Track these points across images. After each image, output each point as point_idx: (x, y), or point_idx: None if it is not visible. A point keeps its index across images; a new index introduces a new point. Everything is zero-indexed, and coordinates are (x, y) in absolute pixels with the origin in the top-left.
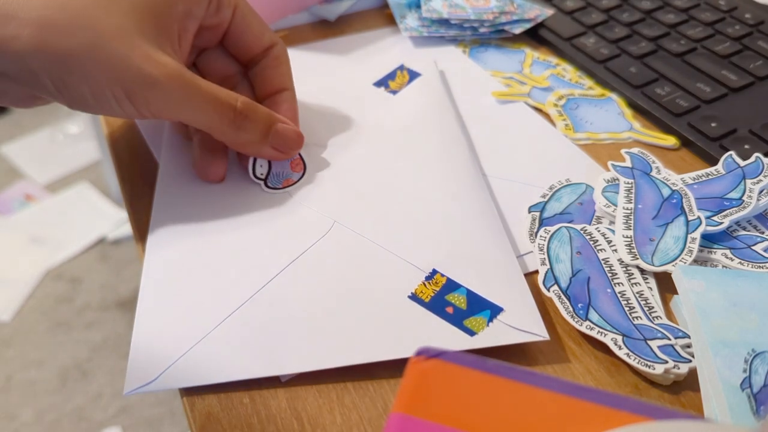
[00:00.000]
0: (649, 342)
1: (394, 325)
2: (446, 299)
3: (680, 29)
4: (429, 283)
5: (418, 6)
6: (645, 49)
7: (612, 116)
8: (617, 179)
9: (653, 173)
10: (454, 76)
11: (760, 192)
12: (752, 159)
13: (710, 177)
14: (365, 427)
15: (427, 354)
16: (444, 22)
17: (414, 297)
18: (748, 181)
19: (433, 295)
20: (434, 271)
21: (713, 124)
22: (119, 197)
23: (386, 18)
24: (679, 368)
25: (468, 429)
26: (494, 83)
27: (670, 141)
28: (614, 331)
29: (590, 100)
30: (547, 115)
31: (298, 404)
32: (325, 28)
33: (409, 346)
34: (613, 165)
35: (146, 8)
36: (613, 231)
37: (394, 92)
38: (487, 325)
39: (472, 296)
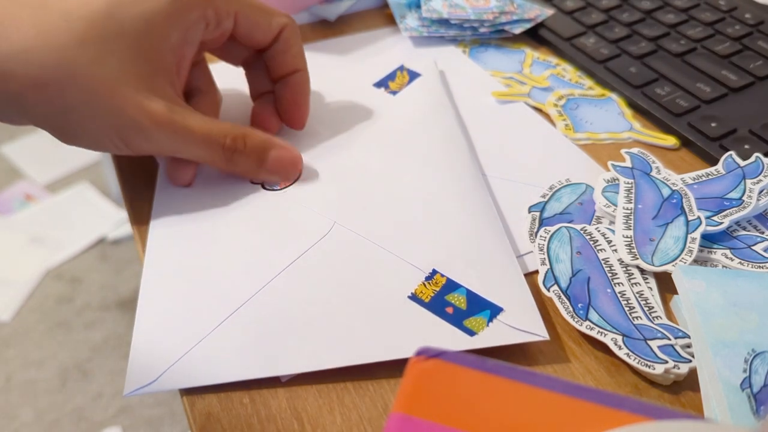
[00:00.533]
0: (649, 342)
1: (394, 325)
2: (446, 299)
3: (680, 29)
4: (429, 283)
5: (418, 6)
6: (645, 49)
7: (612, 116)
8: (617, 179)
9: (653, 173)
10: (454, 76)
11: (760, 192)
12: (752, 159)
13: (710, 177)
14: (365, 427)
15: (427, 354)
16: (444, 22)
17: (414, 297)
18: (748, 181)
19: (433, 295)
20: (434, 271)
21: (713, 124)
22: (119, 197)
23: (386, 18)
24: (679, 368)
25: (468, 429)
26: (494, 83)
27: (670, 141)
28: (614, 331)
29: (590, 100)
30: (547, 115)
31: (298, 404)
32: (325, 28)
33: (410, 346)
34: (613, 165)
35: (139, 48)
36: (613, 231)
37: (394, 93)
38: (487, 325)
39: (471, 296)
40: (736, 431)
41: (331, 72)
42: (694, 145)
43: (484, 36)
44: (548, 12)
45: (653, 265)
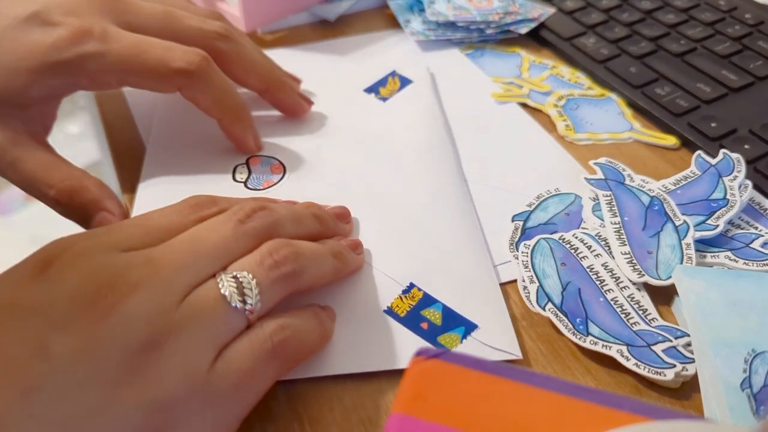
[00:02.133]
0: (653, 347)
1: (367, 338)
2: (421, 314)
3: (680, 29)
4: (405, 297)
5: (421, 9)
6: (645, 49)
7: (612, 116)
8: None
9: (627, 182)
10: (454, 79)
11: (740, 188)
12: (720, 156)
13: (689, 180)
14: (365, 427)
15: (427, 354)
16: (450, 25)
17: (390, 311)
18: (725, 179)
19: (408, 309)
20: (411, 285)
21: (713, 124)
22: (119, 197)
23: (387, 18)
24: (687, 370)
25: (468, 429)
26: (493, 87)
27: (670, 141)
28: (617, 341)
29: (590, 101)
30: (546, 118)
31: (298, 404)
32: (325, 28)
33: (382, 360)
34: (587, 179)
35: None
36: (589, 235)
37: (385, 99)
38: (461, 342)
39: (447, 312)
40: (736, 431)
41: (325, 75)
42: (694, 145)
43: (489, 37)
44: (550, 11)
45: (660, 279)
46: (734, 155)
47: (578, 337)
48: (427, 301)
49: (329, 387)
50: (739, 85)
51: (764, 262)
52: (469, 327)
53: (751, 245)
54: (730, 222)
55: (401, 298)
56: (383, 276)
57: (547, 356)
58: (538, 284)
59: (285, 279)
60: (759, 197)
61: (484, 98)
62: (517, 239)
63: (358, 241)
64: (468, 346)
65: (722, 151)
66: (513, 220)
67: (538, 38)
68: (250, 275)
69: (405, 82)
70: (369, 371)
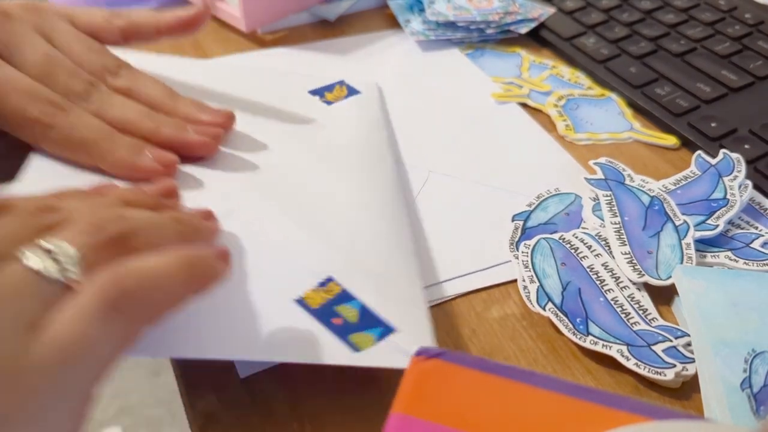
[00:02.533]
0: (653, 347)
1: (270, 326)
2: (335, 310)
3: (680, 29)
4: (321, 289)
5: (421, 9)
6: (645, 49)
7: (612, 116)
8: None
9: (627, 182)
10: (454, 79)
11: (740, 187)
12: (720, 156)
13: (689, 180)
14: (365, 427)
15: (427, 354)
16: (450, 25)
17: (300, 301)
18: (725, 179)
19: (322, 302)
20: (329, 279)
21: (713, 124)
22: None
23: (387, 18)
24: (687, 370)
25: (468, 429)
26: (493, 86)
27: (670, 141)
28: (618, 341)
29: (590, 101)
30: (546, 118)
31: (298, 404)
32: (325, 28)
33: (282, 350)
34: (587, 179)
35: None
36: (589, 235)
37: (329, 103)
38: (374, 344)
39: (365, 312)
40: (736, 431)
41: (274, 76)
42: (694, 145)
43: (490, 37)
44: (550, 11)
45: (661, 279)
46: (734, 155)
47: (578, 337)
48: (345, 297)
49: (329, 387)
50: (739, 85)
51: (764, 262)
52: (386, 329)
53: (751, 245)
54: (730, 222)
55: (316, 290)
56: (299, 265)
57: (547, 356)
58: (538, 284)
59: (113, 242)
60: (759, 197)
61: (484, 98)
62: (517, 239)
63: (208, 210)
64: (381, 349)
65: (722, 151)
66: (513, 220)
67: (538, 38)
68: (66, 243)
69: (352, 91)
70: (270, 361)
